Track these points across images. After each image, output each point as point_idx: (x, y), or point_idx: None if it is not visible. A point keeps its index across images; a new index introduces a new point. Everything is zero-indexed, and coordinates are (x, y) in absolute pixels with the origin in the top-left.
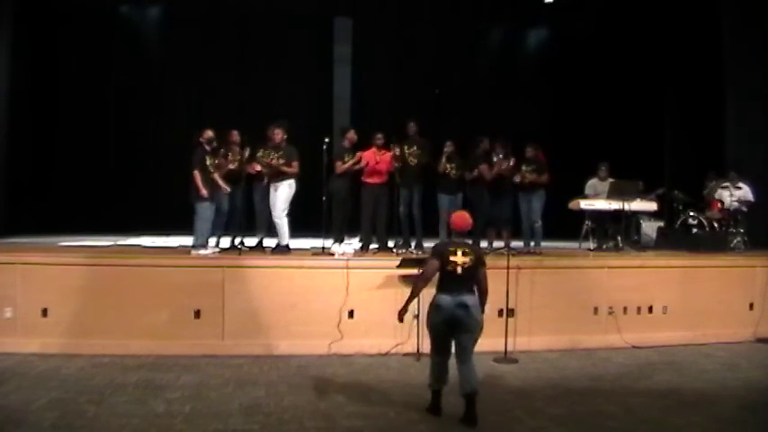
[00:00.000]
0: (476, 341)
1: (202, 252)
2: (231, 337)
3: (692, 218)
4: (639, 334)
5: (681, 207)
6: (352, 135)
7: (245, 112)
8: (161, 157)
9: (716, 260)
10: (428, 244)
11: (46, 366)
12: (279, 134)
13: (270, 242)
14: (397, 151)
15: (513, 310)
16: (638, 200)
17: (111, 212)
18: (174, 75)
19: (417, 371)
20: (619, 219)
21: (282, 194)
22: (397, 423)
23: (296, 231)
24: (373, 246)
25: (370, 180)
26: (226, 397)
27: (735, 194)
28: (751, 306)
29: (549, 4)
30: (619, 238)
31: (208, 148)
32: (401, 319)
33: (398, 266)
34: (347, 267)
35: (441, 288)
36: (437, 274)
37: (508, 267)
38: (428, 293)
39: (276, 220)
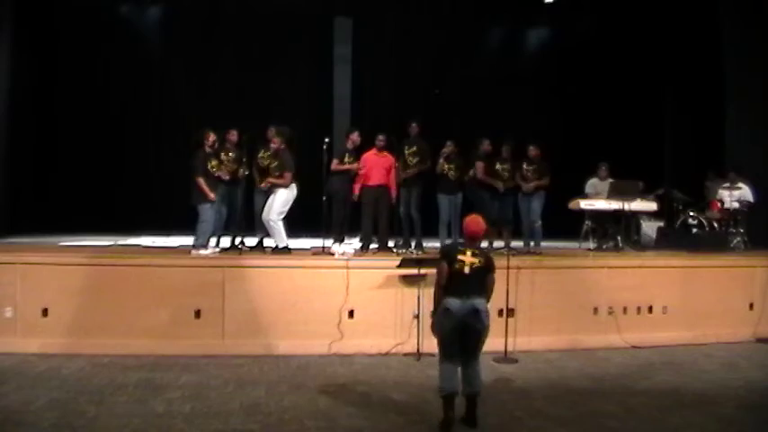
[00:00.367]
0: (483, 344)
1: (202, 252)
2: (231, 337)
3: (692, 218)
4: (639, 334)
5: (681, 207)
6: (355, 137)
7: (245, 112)
8: (161, 157)
9: (716, 260)
10: (428, 244)
11: (46, 366)
12: (277, 142)
13: (270, 242)
14: (400, 162)
15: (513, 310)
16: (638, 200)
17: (111, 212)
18: (174, 75)
19: (417, 371)
20: (619, 219)
21: (281, 197)
22: (397, 423)
23: (296, 231)
24: (373, 246)
25: (370, 182)
26: (226, 397)
27: (734, 194)
28: (751, 306)
29: (549, 4)
30: (619, 238)
31: (209, 150)
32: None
33: (398, 266)
34: (347, 267)
35: (449, 290)
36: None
37: (508, 267)
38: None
39: (271, 222)
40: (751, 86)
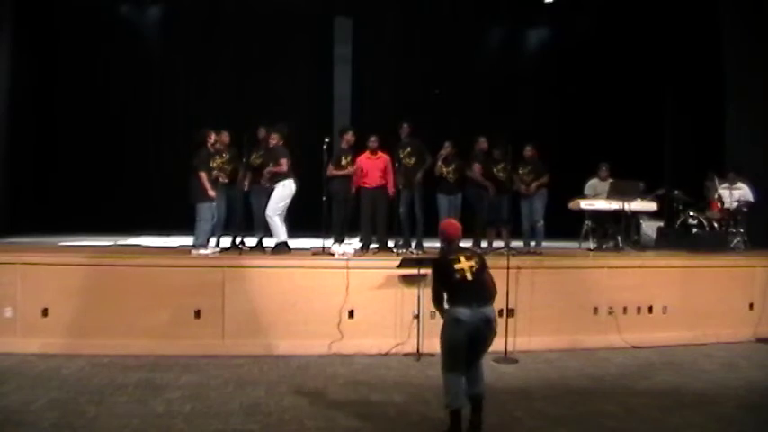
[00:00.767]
0: (489, 347)
1: (202, 252)
2: (231, 337)
3: (692, 218)
4: (639, 334)
5: (681, 207)
6: (349, 136)
7: (245, 113)
8: (161, 156)
9: (716, 260)
10: (428, 244)
11: (46, 366)
12: (274, 139)
13: (270, 242)
14: (397, 164)
15: (513, 310)
16: (638, 200)
17: (112, 213)
18: (174, 75)
19: (417, 371)
20: (619, 219)
21: (276, 194)
22: (397, 423)
23: (296, 231)
24: (373, 246)
25: (366, 184)
26: (226, 397)
27: (734, 194)
28: (751, 306)
29: (549, 4)
30: (619, 238)
31: (211, 149)
32: None
33: (398, 266)
34: (347, 267)
35: (456, 300)
36: (447, 289)
37: (508, 267)
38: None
39: (267, 218)
40: (751, 86)
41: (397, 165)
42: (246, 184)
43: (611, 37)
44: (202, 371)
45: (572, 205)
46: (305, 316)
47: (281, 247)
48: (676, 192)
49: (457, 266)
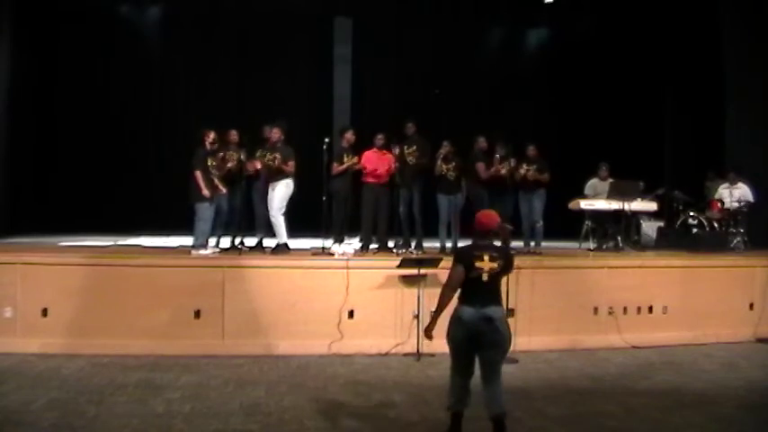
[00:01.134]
0: (503, 357)
1: (202, 252)
2: (231, 337)
3: (692, 218)
4: (639, 334)
5: (681, 207)
6: (350, 135)
7: (244, 112)
8: (161, 157)
9: (716, 260)
10: (428, 244)
11: (46, 366)
12: (276, 134)
13: (270, 242)
14: (397, 151)
15: (513, 310)
16: (638, 200)
17: (112, 213)
18: (174, 75)
19: (417, 371)
20: (619, 219)
21: (279, 193)
22: (398, 423)
23: (296, 231)
24: (373, 246)
25: (370, 180)
26: (226, 397)
27: (734, 194)
28: (751, 306)
29: (549, 4)
30: (619, 238)
31: (209, 148)
32: (429, 337)
33: (398, 266)
34: (347, 267)
35: (464, 298)
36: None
37: None
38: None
39: (272, 218)
40: (751, 86)
41: (397, 164)
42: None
43: (611, 37)
44: (202, 371)
45: (572, 205)
46: (305, 316)
47: (282, 248)
48: (676, 192)
49: (477, 264)
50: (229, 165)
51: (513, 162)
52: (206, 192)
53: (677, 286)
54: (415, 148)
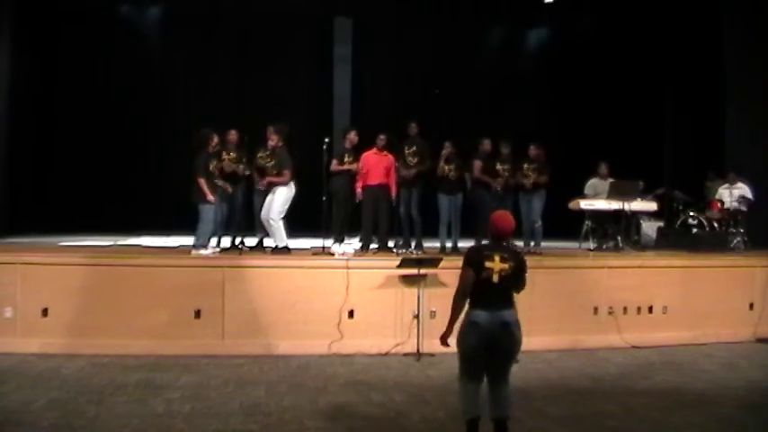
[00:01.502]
0: (513, 360)
1: (202, 252)
2: (231, 337)
3: (692, 218)
4: (639, 334)
5: (681, 207)
6: (353, 136)
7: (245, 112)
8: (161, 156)
9: (716, 260)
10: (428, 244)
11: (46, 366)
12: (274, 140)
13: (270, 242)
14: (399, 161)
15: None
16: (638, 200)
17: (112, 212)
18: (174, 75)
19: (417, 371)
20: (619, 219)
21: (280, 197)
22: (398, 423)
23: (296, 231)
24: (373, 246)
25: (370, 182)
26: (226, 397)
27: (734, 194)
28: (751, 306)
29: (549, 4)
30: (619, 238)
31: (211, 152)
32: (445, 344)
33: (398, 266)
34: (347, 267)
35: (475, 301)
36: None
37: None
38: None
39: (272, 222)
40: (751, 86)
41: (399, 162)
42: (257, 181)
43: (611, 37)
44: (202, 371)
45: (572, 205)
46: (305, 316)
47: (282, 250)
48: (676, 192)
49: (488, 264)
50: (230, 165)
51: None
52: (211, 198)
53: (677, 286)
54: (415, 148)
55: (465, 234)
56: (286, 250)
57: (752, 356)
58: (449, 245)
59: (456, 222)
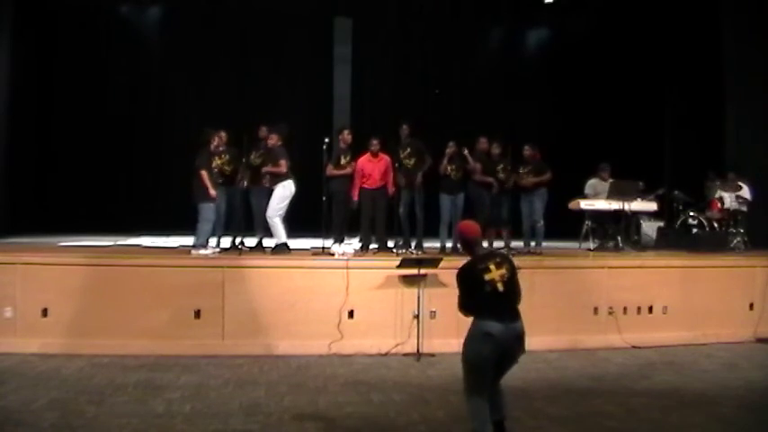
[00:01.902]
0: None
1: (202, 252)
2: (231, 337)
3: (692, 218)
4: (639, 334)
5: (681, 207)
6: (346, 136)
7: (245, 112)
8: (161, 157)
9: (716, 260)
10: (428, 244)
11: (46, 366)
12: (274, 139)
13: (270, 242)
14: (396, 165)
15: None
16: (638, 200)
17: (112, 212)
18: (173, 75)
19: (417, 371)
20: (619, 219)
21: (277, 195)
22: (398, 423)
23: (296, 231)
24: (373, 246)
25: (366, 185)
26: (226, 397)
27: (734, 194)
28: (751, 306)
29: (549, 4)
30: (619, 238)
31: (214, 149)
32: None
33: (398, 266)
34: (347, 267)
35: (485, 312)
36: (475, 300)
37: None
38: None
39: (268, 219)
40: (751, 86)
41: (397, 165)
42: (245, 183)
43: (612, 36)
44: (202, 371)
45: (572, 205)
46: (305, 316)
47: (281, 248)
48: (676, 192)
49: (487, 277)
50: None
51: (509, 165)
52: (212, 192)
53: (677, 286)
54: (409, 151)
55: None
56: (286, 247)
57: (752, 356)
58: (449, 245)
59: (457, 222)
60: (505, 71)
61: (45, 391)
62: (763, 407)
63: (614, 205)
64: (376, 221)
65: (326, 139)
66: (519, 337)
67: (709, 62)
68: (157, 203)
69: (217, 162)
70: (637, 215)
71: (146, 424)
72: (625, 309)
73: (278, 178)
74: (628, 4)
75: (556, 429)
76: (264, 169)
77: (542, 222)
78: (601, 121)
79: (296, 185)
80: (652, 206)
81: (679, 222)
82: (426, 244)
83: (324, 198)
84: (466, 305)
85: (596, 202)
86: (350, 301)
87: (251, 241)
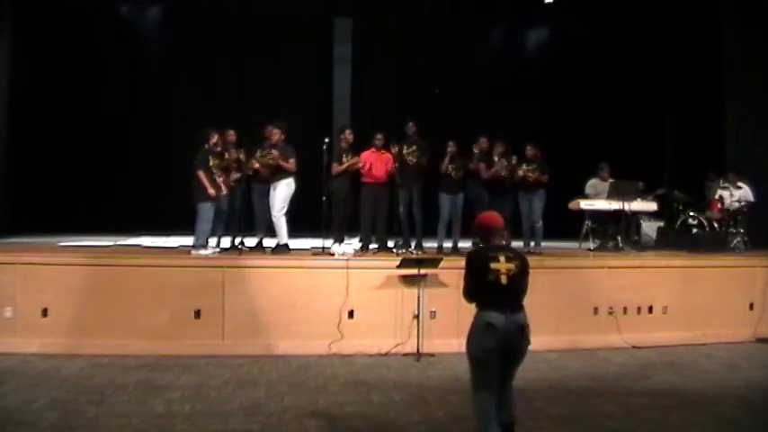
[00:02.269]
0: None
1: (202, 252)
2: (231, 337)
3: (692, 218)
4: (639, 334)
5: (681, 207)
6: (347, 135)
7: (245, 112)
8: (161, 157)
9: (716, 260)
10: (428, 244)
11: (46, 366)
12: (276, 134)
13: (270, 242)
14: (395, 150)
15: None
16: (638, 200)
17: (112, 212)
18: (173, 75)
19: (417, 371)
20: (619, 219)
21: (281, 193)
22: (398, 423)
23: (296, 231)
24: (373, 246)
25: (369, 180)
26: (226, 397)
27: (735, 194)
28: (751, 306)
29: (549, 4)
30: (619, 238)
31: (211, 148)
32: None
33: (398, 266)
34: (347, 267)
35: (486, 303)
36: (478, 288)
37: None
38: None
39: (274, 219)
40: (751, 86)
41: (397, 164)
42: (248, 172)
43: (612, 37)
44: (202, 371)
45: (572, 205)
46: (305, 316)
47: (282, 249)
48: (676, 192)
49: (493, 266)
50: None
51: (514, 159)
52: (211, 191)
53: (677, 286)
54: (414, 147)
55: (466, 234)
56: (286, 248)
57: (752, 356)
58: (448, 245)
59: (457, 222)
60: (505, 71)
61: (45, 391)
62: (763, 407)
63: (614, 205)
64: (377, 221)
65: (326, 139)
66: (521, 328)
67: (709, 62)
68: (157, 203)
69: (214, 161)
70: (637, 215)
71: (146, 424)
72: (625, 309)
73: (281, 175)
74: (628, 4)
75: (556, 429)
76: (279, 161)
77: (541, 222)
78: (601, 120)
79: (296, 184)
80: (652, 206)
81: (679, 222)
82: (426, 244)
83: (324, 198)
84: (469, 290)
85: (596, 202)
86: (350, 301)
87: (251, 241)
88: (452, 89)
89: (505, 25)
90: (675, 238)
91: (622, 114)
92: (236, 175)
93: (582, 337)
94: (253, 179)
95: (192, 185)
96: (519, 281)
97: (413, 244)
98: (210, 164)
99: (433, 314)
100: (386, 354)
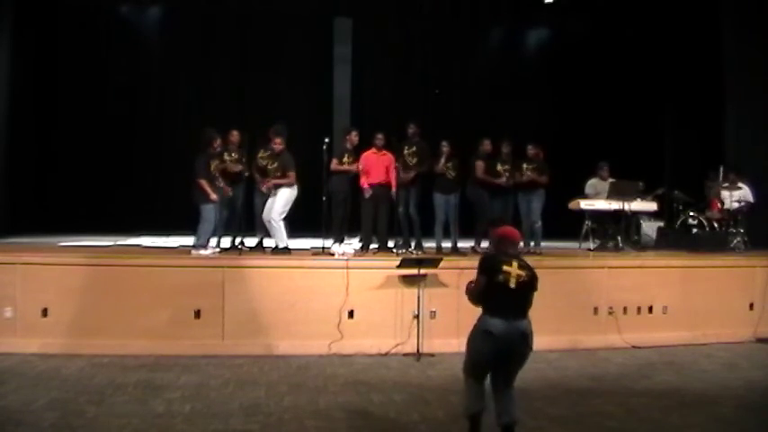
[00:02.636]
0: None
1: (202, 252)
2: (231, 337)
3: (692, 218)
4: (639, 334)
5: (681, 207)
6: (353, 136)
7: (245, 112)
8: (161, 157)
9: (716, 260)
10: (428, 244)
11: (46, 366)
12: (278, 143)
13: (270, 242)
14: (398, 161)
15: None
16: (638, 200)
17: (111, 212)
18: (173, 75)
19: (417, 371)
20: (619, 219)
21: (282, 198)
22: (398, 423)
23: (296, 231)
24: (373, 246)
25: (371, 180)
26: (226, 397)
27: (735, 194)
28: (751, 306)
29: (549, 4)
30: (619, 238)
31: (213, 152)
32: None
33: (398, 266)
34: (347, 267)
35: (490, 307)
36: (486, 288)
37: None
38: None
39: (273, 222)
40: (751, 86)
41: (397, 164)
42: (258, 181)
43: (612, 37)
44: (202, 371)
45: (572, 205)
46: (305, 316)
47: (283, 251)
48: (676, 192)
49: (505, 268)
50: (234, 167)
51: (511, 164)
52: (214, 197)
53: (677, 286)
54: (415, 149)
55: (464, 234)
56: (286, 251)
57: (752, 356)
58: (446, 245)
59: (454, 222)
60: (505, 71)
61: (45, 391)
62: (763, 407)
63: (614, 205)
64: (378, 221)
65: (326, 139)
66: (523, 335)
67: (709, 62)
68: (157, 203)
69: (216, 163)
70: (637, 215)
71: (146, 424)
72: (625, 309)
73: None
74: (628, 4)
75: (556, 429)
76: (274, 181)
77: (540, 223)
78: (601, 120)
79: (299, 188)
80: (652, 206)
81: (679, 222)
82: (426, 244)
83: (324, 198)
84: (477, 291)
85: (596, 201)
86: (350, 301)
87: (251, 241)
88: (452, 89)
89: (505, 25)
90: (675, 238)
91: (622, 114)
92: (238, 167)
93: (582, 337)
94: (254, 179)
95: (193, 189)
96: (527, 290)
97: (413, 244)
98: (212, 168)
99: (432, 314)
100: (386, 354)
